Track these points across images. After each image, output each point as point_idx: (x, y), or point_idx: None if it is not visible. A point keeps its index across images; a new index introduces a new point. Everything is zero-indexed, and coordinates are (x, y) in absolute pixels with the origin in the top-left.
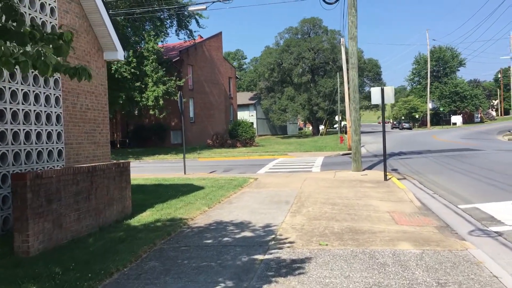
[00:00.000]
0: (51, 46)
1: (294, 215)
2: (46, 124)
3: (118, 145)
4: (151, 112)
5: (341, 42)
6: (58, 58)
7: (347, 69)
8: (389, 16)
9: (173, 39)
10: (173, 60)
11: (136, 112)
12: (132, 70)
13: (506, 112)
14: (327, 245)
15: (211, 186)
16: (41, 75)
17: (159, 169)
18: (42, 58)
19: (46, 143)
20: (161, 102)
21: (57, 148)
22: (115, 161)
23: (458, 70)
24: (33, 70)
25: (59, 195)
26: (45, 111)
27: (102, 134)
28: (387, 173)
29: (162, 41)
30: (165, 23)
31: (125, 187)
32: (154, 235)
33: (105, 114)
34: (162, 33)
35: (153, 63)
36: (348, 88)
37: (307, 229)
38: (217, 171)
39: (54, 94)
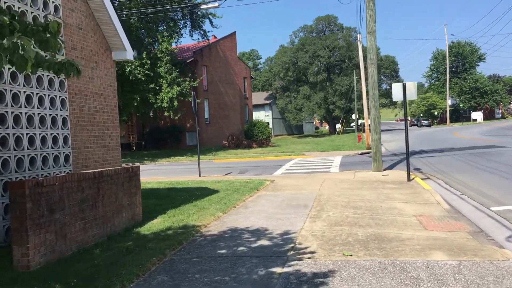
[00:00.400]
0: (34, 39)
1: (314, 220)
2: (51, 128)
3: (134, 148)
4: (166, 113)
5: (358, 39)
6: (45, 54)
7: (365, 66)
8: (406, 12)
9: (187, 40)
10: (187, 61)
11: (152, 114)
12: (146, 71)
13: None
14: (351, 255)
15: (226, 189)
16: (19, 71)
17: (174, 172)
18: (20, 52)
19: (52, 147)
20: (175, 103)
21: (63, 153)
22: (124, 166)
23: (478, 65)
24: (9, 66)
25: (63, 203)
26: (50, 114)
27: (111, 137)
28: (410, 173)
29: (176, 42)
30: (179, 23)
31: (134, 193)
32: (165, 245)
33: (115, 117)
34: (176, 34)
35: (167, 64)
36: (366, 85)
37: (328, 237)
38: (233, 172)
39: (60, 96)
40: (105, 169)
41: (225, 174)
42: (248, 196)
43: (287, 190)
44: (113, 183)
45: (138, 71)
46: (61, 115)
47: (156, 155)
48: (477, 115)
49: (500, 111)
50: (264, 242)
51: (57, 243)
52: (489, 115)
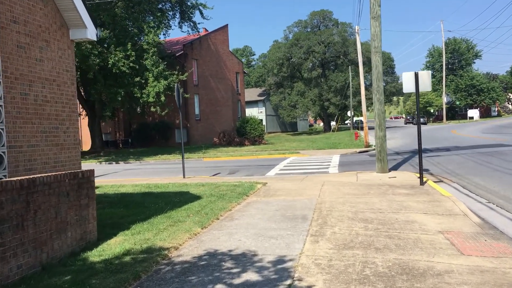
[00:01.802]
0: None
1: (316, 239)
2: None
3: (121, 145)
4: (153, 109)
5: (356, 30)
6: None
7: (364, 62)
8: (402, 7)
9: (177, 33)
10: (177, 55)
11: (139, 109)
12: (131, 64)
13: None
14: None
15: (210, 194)
16: None
17: (157, 172)
18: None
19: None
20: (162, 98)
21: None
22: (71, 171)
23: (474, 63)
24: None
25: None
26: None
27: (68, 133)
28: (416, 174)
29: (164, 34)
30: (167, 14)
31: (86, 205)
32: (114, 281)
33: (73, 109)
34: (163, 25)
35: (154, 57)
36: (366, 80)
37: (337, 267)
38: (221, 173)
39: None
40: (40, 175)
41: (213, 175)
42: (235, 204)
43: (282, 196)
44: (52, 194)
45: (122, 63)
46: None
47: (143, 153)
48: (474, 112)
49: (496, 109)
50: (251, 276)
51: None
52: (485, 113)
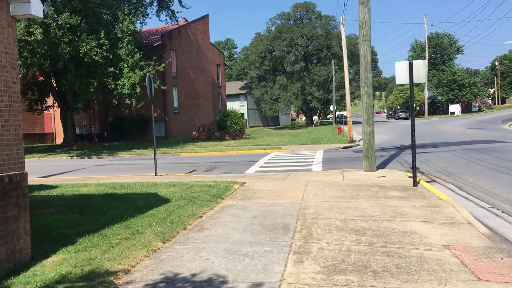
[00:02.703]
0: None
1: (300, 258)
2: None
3: (96, 139)
4: (127, 101)
5: (341, 21)
6: None
7: (346, 50)
8: (384, 2)
9: (155, 23)
10: (154, 45)
11: (115, 102)
12: (105, 53)
13: (503, 101)
14: None
15: (180, 197)
16: None
17: (129, 168)
18: None
19: None
20: (138, 90)
21: None
22: None
23: (456, 58)
24: None
25: None
26: None
27: (7, 127)
28: (406, 173)
29: (140, 23)
30: (144, 1)
31: (15, 218)
32: None
33: (14, 98)
34: (139, 12)
35: (129, 46)
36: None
37: None
38: (198, 170)
39: None
40: None
41: (188, 173)
42: (207, 209)
43: (261, 199)
44: None
45: (95, 52)
46: None
47: (118, 147)
48: (455, 108)
49: (477, 105)
50: None
51: None
52: (466, 108)
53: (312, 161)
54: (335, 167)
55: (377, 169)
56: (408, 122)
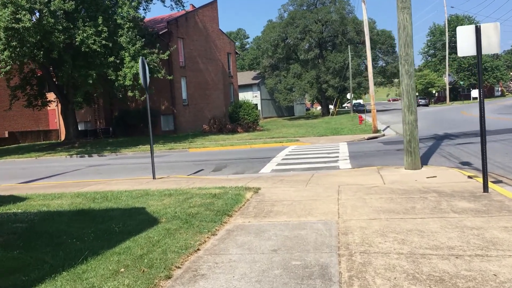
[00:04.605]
0: None
1: None
2: None
3: (101, 135)
4: (130, 93)
5: None
6: None
7: (361, 36)
8: None
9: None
10: (160, 33)
11: (120, 95)
12: (104, 42)
13: None
14: None
15: (173, 215)
16: None
17: (127, 169)
18: None
19: None
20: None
21: None
22: None
23: None
24: None
25: None
26: None
27: None
28: (461, 171)
29: (144, 9)
30: None
31: None
32: None
33: None
34: None
35: (130, 33)
36: (370, 51)
37: None
38: (205, 169)
39: None
40: None
41: (193, 173)
42: (207, 236)
43: (282, 216)
44: None
45: (92, 41)
46: None
47: (122, 143)
48: (477, 93)
49: (499, 89)
50: None
51: None
52: (488, 93)
53: (337, 156)
54: (366, 163)
55: (421, 166)
56: (429, 109)
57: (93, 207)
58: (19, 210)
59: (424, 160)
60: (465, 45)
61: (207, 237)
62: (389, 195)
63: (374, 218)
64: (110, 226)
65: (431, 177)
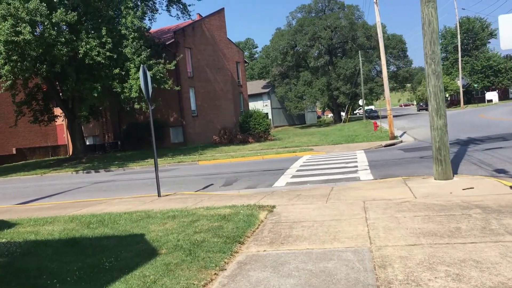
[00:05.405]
0: None
1: None
2: None
3: (109, 149)
4: (136, 105)
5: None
6: None
7: (370, 42)
8: None
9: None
10: (167, 43)
11: (128, 108)
12: (108, 53)
13: None
14: None
15: (175, 244)
16: None
17: (133, 185)
18: None
19: None
20: None
21: None
22: None
23: (489, 43)
24: None
25: None
26: None
27: None
28: (500, 181)
29: (150, 19)
30: None
31: None
32: None
33: None
34: (143, 4)
35: (134, 43)
36: (384, 54)
37: None
38: (215, 184)
39: None
40: None
41: (202, 189)
42: (214, 273)
43: (303, 242)
44: None
45: (96, 53)
46: None
47: (131, 157)
48: (492, 95)
49: None
50: None
51: None
52: (502, 95)
53: (356, 166)
54: (389, 173)
55: (453, 175)
56: (447, 112)
57: (86, 234)
58: (3, 240)
59: (454, 169)
60: (510, 36)
61: (215, 273)
62: (425, 212)
63: (414, 243)
64: (100, 261)
65: (467, 188)
